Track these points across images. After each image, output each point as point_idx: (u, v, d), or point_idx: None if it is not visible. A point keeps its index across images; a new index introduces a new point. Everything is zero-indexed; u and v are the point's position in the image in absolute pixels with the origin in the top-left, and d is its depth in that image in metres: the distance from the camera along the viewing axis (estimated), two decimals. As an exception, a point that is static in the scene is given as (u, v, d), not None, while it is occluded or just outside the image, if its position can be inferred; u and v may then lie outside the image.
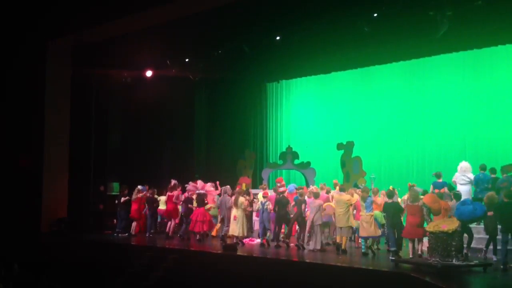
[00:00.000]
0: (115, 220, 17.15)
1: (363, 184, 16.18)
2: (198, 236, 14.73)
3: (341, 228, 12.66)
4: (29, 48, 17.38)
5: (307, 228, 12.98)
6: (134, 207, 16.20)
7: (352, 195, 12.93)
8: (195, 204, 14.90)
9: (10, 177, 17.20)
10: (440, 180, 13.71)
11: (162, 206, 16.27)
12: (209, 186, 15.46)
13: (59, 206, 17.39)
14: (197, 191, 15.05)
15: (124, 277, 12.79)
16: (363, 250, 12.24)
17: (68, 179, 17.83)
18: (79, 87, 18.14)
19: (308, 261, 11.62)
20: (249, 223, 14.46)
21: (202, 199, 14.89)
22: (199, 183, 15.49)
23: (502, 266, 10.27)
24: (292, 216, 13.54)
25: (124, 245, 14.98)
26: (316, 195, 13.08)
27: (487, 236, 11.45)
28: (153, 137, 20.19)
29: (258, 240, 14.20)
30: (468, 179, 13.29)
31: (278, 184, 15.26)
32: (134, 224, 16.40)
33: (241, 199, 13.89)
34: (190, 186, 15.48)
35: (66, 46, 18.04)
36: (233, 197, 14.05)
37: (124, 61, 17.94)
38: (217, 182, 15.84)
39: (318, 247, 12.68)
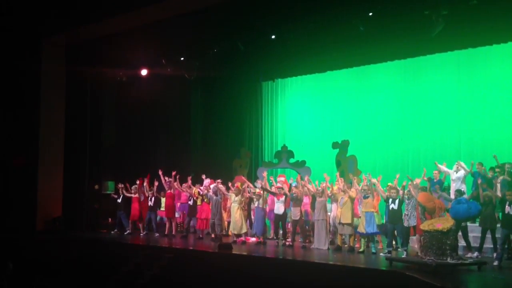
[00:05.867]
0: (110, 219, 17.09)
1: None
2: (201, 234, 14.90)
3: (343, 224, 12.68)
4: (24, 46, 17.32)
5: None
6: (135, 205, 16.05)
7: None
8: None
9: (5, 176, 17.15)
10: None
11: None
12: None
13: (54, 205, 17.35)
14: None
15: (119, 276, 12.78)
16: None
17: (63, 178, 17.78)
18: (74, 85, 18.08)
19: (303, 260, 11.64)
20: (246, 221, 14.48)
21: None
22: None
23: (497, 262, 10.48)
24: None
25: (119, 243, 14.95)
26: (320, 195, 13.06)
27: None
28: (149, 136, 20.15)
29: (253, 239, 14.21)
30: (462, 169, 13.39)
31: (282, 180, 15.19)
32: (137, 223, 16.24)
33: (237, 197, 13.99)
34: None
35: (61, 44, 17.99)
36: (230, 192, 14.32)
37: (119, 60, 17.89)
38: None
39: (326, 245, 12.74)
